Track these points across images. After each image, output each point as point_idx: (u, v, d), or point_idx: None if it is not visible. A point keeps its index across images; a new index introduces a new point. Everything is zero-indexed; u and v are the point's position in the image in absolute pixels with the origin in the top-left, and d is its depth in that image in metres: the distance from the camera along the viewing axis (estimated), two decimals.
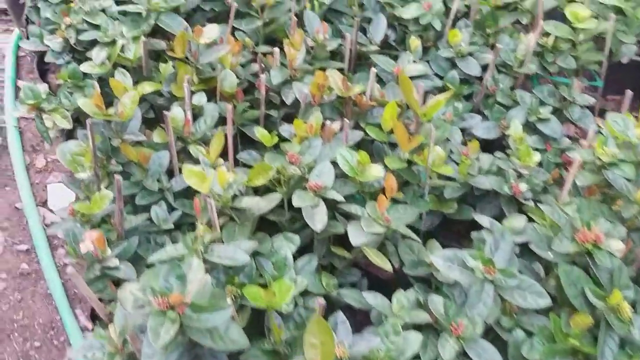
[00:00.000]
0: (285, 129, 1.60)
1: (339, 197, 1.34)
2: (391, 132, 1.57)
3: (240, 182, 1.35)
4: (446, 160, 1.51)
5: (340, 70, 1.78)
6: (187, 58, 1.66)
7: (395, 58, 1.96)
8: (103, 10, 1.83)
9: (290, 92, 1.66)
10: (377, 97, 1.64)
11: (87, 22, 1.76)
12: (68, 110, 1.68)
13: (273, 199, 1.37)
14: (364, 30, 1.99)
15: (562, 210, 1.37)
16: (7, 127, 2.32)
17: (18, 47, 2.66)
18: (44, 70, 2.28)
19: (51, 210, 2.08)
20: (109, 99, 1.70)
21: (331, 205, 1.37)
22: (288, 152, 1.43)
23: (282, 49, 1.93)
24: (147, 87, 1.61)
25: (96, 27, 1.76)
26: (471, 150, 1.64)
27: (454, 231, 1.75)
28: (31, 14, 1.98)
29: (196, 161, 1.49)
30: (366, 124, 1.62)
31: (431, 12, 1.96)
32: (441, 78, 1.93)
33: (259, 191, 1.45)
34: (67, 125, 1.66)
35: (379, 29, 1.93)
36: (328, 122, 1.56)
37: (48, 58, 1.82)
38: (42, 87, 1.74)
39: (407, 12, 1.96)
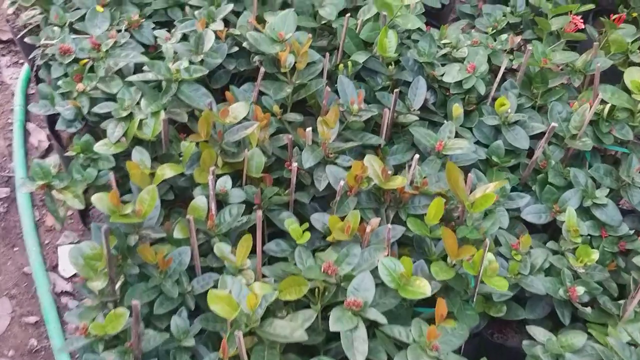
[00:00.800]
0: (316, 219, 1.46)
1: (381, 319, 1.20)
2: (436, 224, 1.42)
3: (270, 299, 1.22)
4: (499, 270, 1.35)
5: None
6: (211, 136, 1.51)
7: (434, 124, 1.81)
8: (119, 72, 1.68)
9: (323, 176, 1.51)
10: (419, 185, 1.49)
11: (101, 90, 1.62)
12: (81, 183, 1.56)
13: (307, 318, 1.23)
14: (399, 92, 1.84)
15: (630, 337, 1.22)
16: (15, 178, 2.18)
17: (28, 83, 2.52)
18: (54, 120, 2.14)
19: (62, 276, 1.95)
20: (121, 172, 1.58)
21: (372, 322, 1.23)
22: (324, 261, 1.28)
23: (309, 113, 1.79)
24: (167, 171, 1.46)
25: (111, 95, 1.61)
26: (522, 245, 1.49)
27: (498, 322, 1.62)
28: (42, 70, 1.84)
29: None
30: (407, 215, 1.47)
31: (475, 75, 1.79)
32: (485, 146, 1.78)
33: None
34: (80, 205, 1.53)
35: (419, 94, 1.77)
36: (366, 220, 1.41)
37: (59, 125, 1.67)
38: (53, 161, 1.61)
39: (449, 76, 1.79)
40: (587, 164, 1.80)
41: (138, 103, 1.58)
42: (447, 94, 1.84)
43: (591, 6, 2.07)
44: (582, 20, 1.98)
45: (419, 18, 1.94)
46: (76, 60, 1.73)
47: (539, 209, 1.63)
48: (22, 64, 2.62)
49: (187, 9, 1.97)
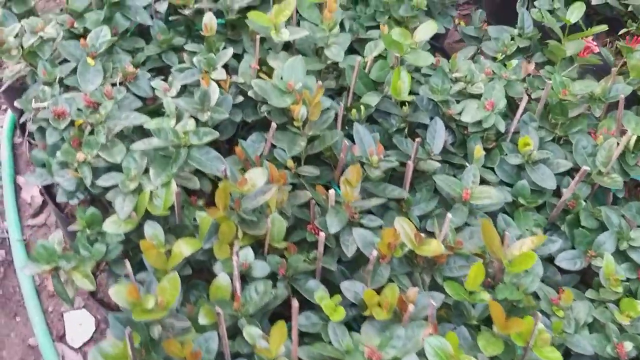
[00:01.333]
0: (347, 288, 1.37)
1: None
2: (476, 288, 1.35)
3: None
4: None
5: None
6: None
7: (453, 166, 1.73)
8: (121, 134, 1.58)
9: (351, 240, 1.42)
10: (454, 246, 1.41)
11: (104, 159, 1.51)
12: (90, 261, 1.45)
13: None
14: (413, 133, 1.76)
15: None
16: (10, 239, 2.06)
17: (13, 132, 2.38)
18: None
19: (71, 347, 1.84)
20: (131, 243, 1.49)
21: None
22: (363, 343, 1.20)
23: (324, 162, 1.70)
24: (184, 248, 1.36)
25: (115, 164, 1.50)
26: (564, 300, 1.42)
27: None
28: (35, 133, 1.71)
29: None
30: (444, 279, 1.39)
31: (494, 112, 1.71)
32: (508, 184, 1.71)
33: None
34: (90, 286, 1.43)
35: (438, 137, 1.68)
36: (403, 289, 1.33)
37: (59, 198, 1.56)
38: (56, 237, 1.50)
39: (468, 115, 1.71)
40: (612, 196, 1.74)
41: (146, 171, 1.48)
42: (465, 132, 1.76)
43: (604, 27, 2.00)
44: (596, 44, 1.92)
45: (425, 47, 1.86)
46: (72, 123, 1.61)
47: (573, 255, 1.56)
48: (5, 109, 2.48)
49: (183, 53, 1.86)
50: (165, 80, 1.82)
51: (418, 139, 1.56)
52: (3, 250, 2.05)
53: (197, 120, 1.57)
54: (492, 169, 1.72)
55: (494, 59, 2.07)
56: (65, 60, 1.82)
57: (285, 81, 1.62)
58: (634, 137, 1.69)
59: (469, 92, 1.79)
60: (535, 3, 2.46)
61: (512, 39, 2.09)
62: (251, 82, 1.69)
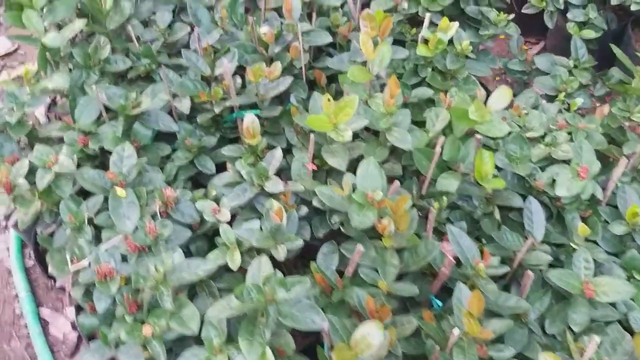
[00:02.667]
0: None
1: None
2: None
3: None
4: None
5: None
6: None
7: (553, 245, 1.54)
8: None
9: None
10: None
11: None
12: None
13: None
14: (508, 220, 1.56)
15: None
16: None
17: (22, 254, 2.10)
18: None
19: None
20: None
21: None
22: None
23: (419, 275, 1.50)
24: None
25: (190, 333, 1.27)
26: None
27: None
28: (76, 291, 1.45)
29: None
30: None
31: (589, 178, 1.52)
32: (612, 254, 1.53)
33: None
34: None
35: (537, 221, 1.48)
36: None
37: None
38: None
39: (562, 188, 1.50)
40: None
41: (229, 339, 1.25)
42: (558, 203, 1.57)
43: None
44: None
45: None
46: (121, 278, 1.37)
47: None
48: (5, 226, 2.19)
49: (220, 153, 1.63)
50: (205, 192, 1.59)
51: (530, 242, 1.35)
52: None
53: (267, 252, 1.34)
54: (595, 242, 1.54)
55: (553, 97, 1.88)
56: (88, 193, 1.56)
57: (362, 192, 1.39)
58: None
59: (553, 157, 1.59)
60: (568, 15, 2.28)
61: (570, 72, 1.89)
62: (314, 189, 1.46)
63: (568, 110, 1.83)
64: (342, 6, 1.95)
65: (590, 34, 2.20)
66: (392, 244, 1.39)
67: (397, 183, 1.44)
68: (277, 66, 1.61)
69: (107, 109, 1.66)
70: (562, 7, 2.28)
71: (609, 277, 1.39)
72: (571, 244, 1.50)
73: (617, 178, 1.54)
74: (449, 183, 1.53)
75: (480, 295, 1.26)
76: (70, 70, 1.77)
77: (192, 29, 1.94)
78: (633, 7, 2.17)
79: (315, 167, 1.54)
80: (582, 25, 2.24)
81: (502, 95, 1.53)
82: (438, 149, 1.58)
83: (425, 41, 1.82)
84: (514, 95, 2.03)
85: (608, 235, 1.54)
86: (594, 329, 1.36)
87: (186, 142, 1.66)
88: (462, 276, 1.38)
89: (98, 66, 1.74)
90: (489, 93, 1.97)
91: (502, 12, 1.92)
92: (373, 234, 1.41)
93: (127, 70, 1.78)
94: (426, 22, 1.79)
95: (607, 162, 1.74)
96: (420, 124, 1.67)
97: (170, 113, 1.73)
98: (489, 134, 1.55)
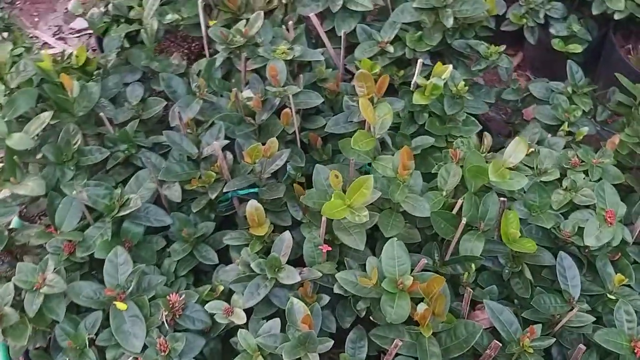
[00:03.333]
0: None
1: None
2: None
3: None
4: None
5: None
6: None
7: (588, 296, 1.46)
8: None
9: None
10: None
11: None
12: None
13: None
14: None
15: None
16: None
17: None
18: None
19: None
20: None
21: None
22: None
23: None
24: None
25: None
26: None
27: None
28: None
29: None
30: None
31: (616, 223, 1.44)
32: None
33: None
34: None
35: (571, 277, 1.40)
36: None
37: None
38: None
39: (591, 238, 1.41)
40: None
41: None
42: (587, 251, 1.49)
43: None
44: None
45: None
46: None
47: None
48: None
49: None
50: (212, 287, 1.46)
51: (572, 312, 1.27)
52: None
53: None
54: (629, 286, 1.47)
55: (553, 127, 1.80)
56: (81, 310, 1.42)
57: (390, 279, 1.28)
58: None
59: (575, 203, 1.51)
60: (551, 30, 2.21)
61: (569, 98, 1.82)
62: (334, 275, 1.35)
63: (573, 139, 1.76)
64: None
65: (576, 48, 2.14)
66: (429, 328, 1.29)
67: (423, 261, 1.33)
68: (274, 143, 1.48)
69: (90, 207, 1.51)
70: (542, 21, 2.21)
71: None
72: (607, 295, 1.43)
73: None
74: (473, 246, 1.44)
75: None
76: (40, 168, 1.61)
77: (167, 100, 1.80)
78: (616, 16, 2.11)
79: (329, 248, 1.42)
80: (567, 39, 2.18)
81: (518, 148, 1.43)
82: (457, 209, 1.49)
83: (417, 86, 1.73)
84: (516, 131, 1.97)
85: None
86: None
87: (183, 233, 1.52)
88: (506, 357, 1.28)
89: (72, 161, 1.58)
90: (485, 127, 1.91)
91: (492, 45, 1.83)
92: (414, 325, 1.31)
93: (105, 160, 1.62)
94: (418, 68, 1.69)
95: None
96: (425, 175, 1.57)
97: (157, 200, 1.59)
98: (508, 189, 1.47)
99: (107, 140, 1.66)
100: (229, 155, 1.59)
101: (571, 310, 1.37)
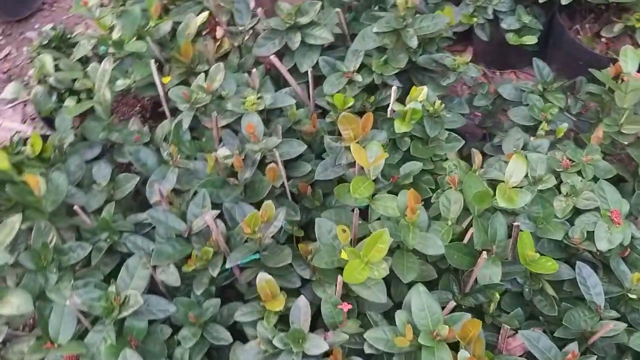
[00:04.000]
0: None
1: None
2: None
3: None
4: None
5: None
6: None
7: (609, 298, 1.46)
8: None
9: None
10: None
11: None
12: None
13: None
14: None
15: None
16: None
17: None
18: None
19: None
20: None
21: None
22: None
23: None
24: None
25: None
26: None
27: None
28: None
29: None
30: None
31: (623, 222, 1.44)
32: None
33: None
34: None
35: (594, 286, 1.39)
36: None
37: None
38: None
39: (602, 242, 1.42)
40: None
41: None
42: (598, 255, 1.49)
43: None
44: None
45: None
46: None
47: None
48: None
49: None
50: None
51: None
52: None
53: None
54: None
55: (534, 127, 1.79)
56: None
57: (425, 331, 1.23)
58: None
59: (577, 208, 1.51)
60: (503, 25, 2.22)
61: (542, 97, 1.82)
62: (364, 336, 1.29)
63: (555, 137, 1.76)
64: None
65: (530, 39, 2.15)
66: None
67: (452, 303, 1.29)
68: (269, 207, 1.40)
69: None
70: (491, 17, 2.21)
71: None
72: (628, 294, 1.43)
73: None
74: (492, 272, 1.41)
75: None
76: (19, 276, 1.47)
77: (136, 173, 1.68)
78: (563, 2, 2.12)
79: (350, 306, 1.36)
80: (519, 31, 2.19)
81: (518, 166, 1.41)
82: (467, 239, 1.45)
83: (393, 111, 1.68)
84: (491, 134, 1.96)
85: None
86: None
87: (190, 318, 1.42)
88: None
89: (53, 263, 1.45)
90: (462, 137, 1.88)
91: (458, 56, 1.80)
92: None
93: (88, 254, 1.49)
94: (393, 96, 1.64)
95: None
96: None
97: (151, 282, 1.48)
98: (512, 207, 1.44)
99: (85, 232, 1.53)
100: (221, 224, 1.50)
101: (600, 319, 1.37)
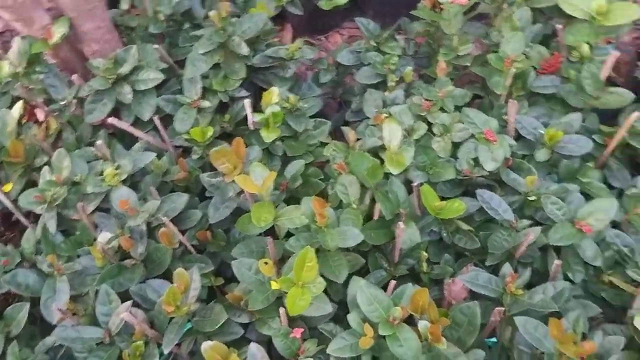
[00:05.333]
0: None
1: None
2: None
3: None
4: None
5: None
6: None
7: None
8: None
9: None
10: None
11: None
12: None
13: None
14: None
15: None
16: None
17: None
18: None
19: None
20: None
21: None
22: None
23: None
24: None
25: None
26: None
27: None
28: None
29: None
30: None
31: (497, 137, 1.54)
32: None
33: None
34: None
35: (499, 203, 1.47)
36: None
37: None
38: None
39: (489, 163, 1.51)
40: None
41: None
42: (489, 177, 1.57)
43: None
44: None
45: None
46: None
47: None
48: None
49: None
50: None
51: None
52: None
53: None
54: None
55: (384, 82, 1.83)
56: None
57: (382, 321, 1.24)
58: None
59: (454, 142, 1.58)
60: None
61: (379, 51, 1.86)
62: (327, 351, 1.28)
63: (406, 84, 1.81)
64: None
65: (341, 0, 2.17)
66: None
67: (392, 283, 1.30)
68: (183, 276, 1.31)
69: None
70: None
71: None
72: (527, 198, 1.52)
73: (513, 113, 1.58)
74: (411, 235, 1.45)
75: None
76: None
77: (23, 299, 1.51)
78: None
79: (302, 330, 1.32)
80: None
81: (393, 129, 1.45)
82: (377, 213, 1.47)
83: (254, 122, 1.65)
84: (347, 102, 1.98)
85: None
86: None
87: None
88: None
89: None
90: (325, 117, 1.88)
91: (281, 39, 1.79)
92: None
93: None
94: (248, 109, 1.60)
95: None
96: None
97: None
98: (403, 169, 1.48)
99: None
100: (139, 312, 1.39)
101: (517, 232, 1.46)
